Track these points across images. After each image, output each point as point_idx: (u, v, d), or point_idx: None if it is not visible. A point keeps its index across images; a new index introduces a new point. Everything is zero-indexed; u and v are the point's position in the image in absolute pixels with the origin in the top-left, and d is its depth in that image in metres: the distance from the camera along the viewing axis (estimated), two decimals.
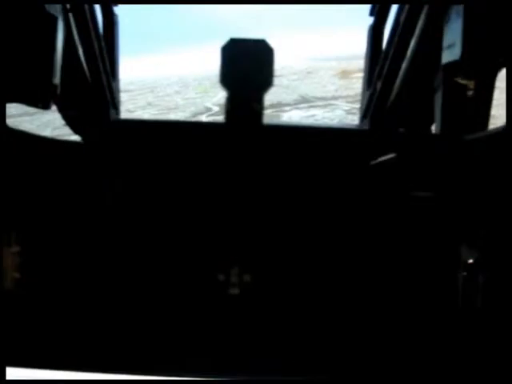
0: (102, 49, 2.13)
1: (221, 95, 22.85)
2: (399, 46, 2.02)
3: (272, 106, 22.22)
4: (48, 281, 2.07)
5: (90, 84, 2.09)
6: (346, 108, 17.98)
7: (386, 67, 2.11)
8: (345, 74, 27.02)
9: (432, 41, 1.87)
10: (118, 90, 2.34)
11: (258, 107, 1.66)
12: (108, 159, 2.09)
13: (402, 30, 1.98)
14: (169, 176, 2.01)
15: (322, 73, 27.37)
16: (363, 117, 2.34)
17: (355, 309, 2.14)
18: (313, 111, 18.09)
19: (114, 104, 2.27)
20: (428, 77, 1.96)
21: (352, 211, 2.08)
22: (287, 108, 18.51)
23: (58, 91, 1.83)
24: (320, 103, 19.22)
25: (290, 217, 2.10)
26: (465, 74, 1.72)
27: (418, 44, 1.95)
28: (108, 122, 2.16)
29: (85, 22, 1.87)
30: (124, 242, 2.12)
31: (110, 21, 2.31)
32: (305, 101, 19.74)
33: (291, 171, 2.05)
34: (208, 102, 21.09)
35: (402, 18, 1.97)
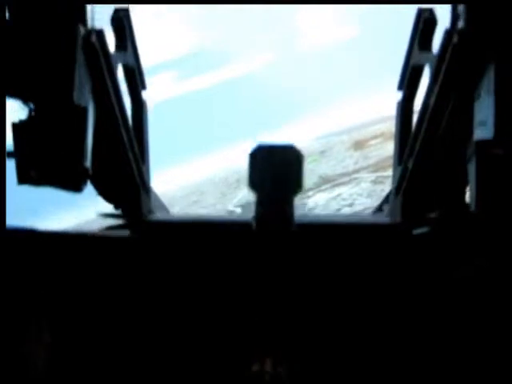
0: (130, 134, 2.27)
1: (240, 195, 22.77)
2: (430, 126, 2.02)
3: None
4: (77, 372, 2.12)
5: (120, 169, 2.26)
6: (372, 178, 17.30)
7: (418, 146, 2.11)
8: (359, 145, 26.75)
9: (464, 116, 1.92)
10: (148, 173, 2.51)
11: (288, 211, 1.78)
12: (138, 254, 2.18)
13: (433, 110, 1.99)
14: (202, 271, 2.13)
15: (336, 148, 27.16)
16: (396, 193, 2.32)
17: None
18: (337, 190, 17.37)
19: (145, 187, 2.42)
20: (461, 149, 1.98)
21: (386, 299, 2.10)
22: (310, 193, 17.86)
23: (90, 172, 1.99)
24: (343, 180, 18.60)
25: (325, 310, 2.12)
26: (499, 149, 1.73)
27: (449, 120, 1.98)
28: (140, 215, 2.31)
29: (112, 109, 2.05)
30: (160, 333, 2.17)
31: (139, 106, 2.46)
32: (326, 181, 19.16)
33: (324, 268, 2.10)
34: (229, 205, 20.75)
35: (432, 100, 1.97)
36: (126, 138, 2.19)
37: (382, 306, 2.09)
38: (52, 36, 1.82)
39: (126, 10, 2.20)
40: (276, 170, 1.73)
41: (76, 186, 1.99)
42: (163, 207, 2.87)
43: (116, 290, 2.16)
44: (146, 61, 2.37)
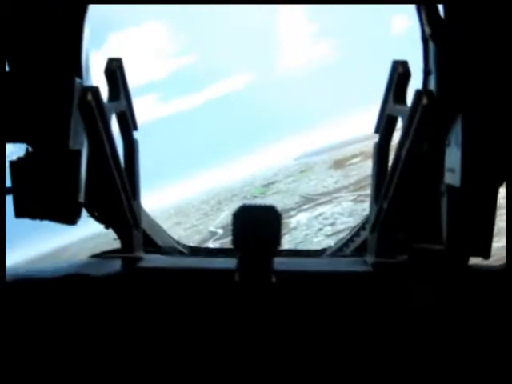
0: (123, 175, 2.38)
1: (222, 216, 22.68)
2: (402, 173, 2.18)
3: None
4: None
5: (112, 204, 2.41)
6: (352, 197, 17.46)
7: (392, 190, 2.26)
8: (339, 164, 26.98)
9: (434, 161, 2.10)
10: (139, 209, 2.64)
11: (268, 266, 1.99)
12: (128, 297, 2.26)
13: (405, 160, 2.15)
14: (187, 315, 2.23)
15: (317, 168, 27.35)
16: (372, 230, 2.49)
17: None
18: (319, 209, 17.48)
19: (136, 223, 2.55)
20: (433, 191, 2.17)
21: (364, 339, 2.18)
22: (292, 212, 17.95)
23: (83, 207, 2.14)
24: (324, 199, 18.72)
25: (305, 352, 2.18)
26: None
27: (420, 167, 2.16)
28: (131, 251, 2.48)
29: (105, 154, 2.21)
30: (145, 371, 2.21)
31: (131, 145, 2.60)
32: (308, 201, 19.26)
33: (303, 314, 2.21)
34: (211, 226, 20.67)
35: (404, 151, 2.14)
36: (118, 180, 2.33)
37: (359, 345, 2.18)
38: (50, 89, 1.98)
39: (119, 60, 2.36)
40: (257, 229, 1.90)
41: (70, 220, 2.13)
42: (155, 226, 3.07)
43: (105, 330, 2.24)
44: (129, 83, 2.50)
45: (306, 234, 14.92)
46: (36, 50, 2.02)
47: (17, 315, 2.09)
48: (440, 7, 2.04)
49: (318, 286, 2.24)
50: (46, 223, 2.18)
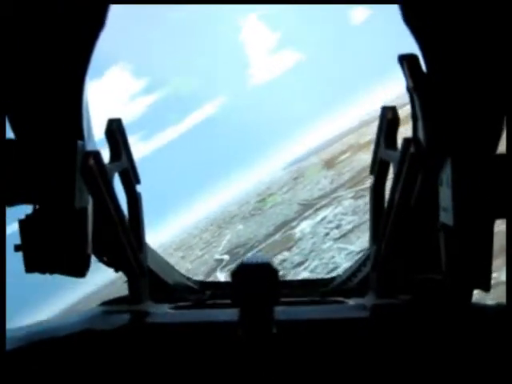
0: (126, 228, 2.49)
1: (225, 241, 22.34)
2: (397, 217, 2.30)
3: (277, 228, 21.36)
4: None
5: (119, 257, 2.54)
6: (351, 194, 17.10)
7: (388, 231, 2.38)
8: (330, 163, 26.83)
9: (430, 198, 2.15)
10: (145, 260, 2.78)
11: (268, 319, 2.12)
12: (133, 351, 2.26)
13: (398, 204, 2.26)
14: (191, 368, 2.25)
15: (308, 172, 27.18)
16: (372, 269, 2.64)
17: None
18: (321, 214, 17.07)
19: (143, 273, 2.71)
20: (430, 227, 2.20)
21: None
22: (294, 223, 17.55)
23: (91, 260, 2.26)
24: (323, 202, 18.35)
25: None
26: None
27: (414, 208, 2.24)
28: (139, 301, 2.64)
29: (107, 208, 2.28)
30: None
31: (134, 199, 2.77)
32: (308, 207, 18.87)
33: (306, 363, 2.22)
34: (216, 254, 20.34)
35: (397, 195, 2.24)
36: (122, 235, 2.44)
37: None
38: (52, 154, 2.08)
39: (118, 120, 2.47)
40: (256, 285, 2.08)
41: (80, 272, 2.25)
42: (165, 265, 3.17)
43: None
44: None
45: (314, 243, 14.46)
46: (37, 113, 2.13)
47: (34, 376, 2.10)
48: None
49: (316, 335, 2.32)
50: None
